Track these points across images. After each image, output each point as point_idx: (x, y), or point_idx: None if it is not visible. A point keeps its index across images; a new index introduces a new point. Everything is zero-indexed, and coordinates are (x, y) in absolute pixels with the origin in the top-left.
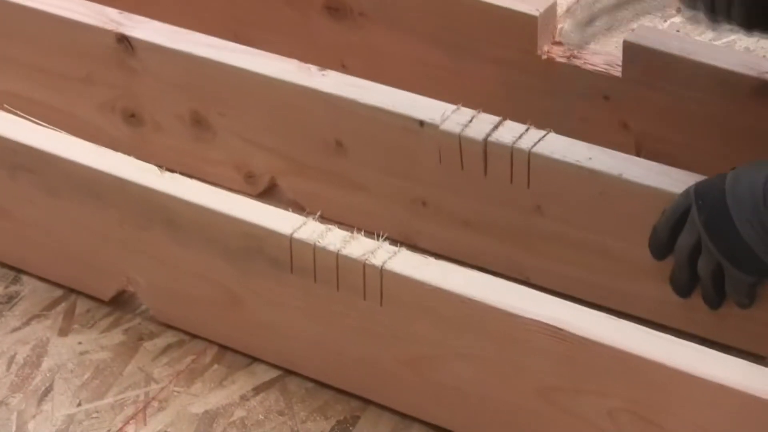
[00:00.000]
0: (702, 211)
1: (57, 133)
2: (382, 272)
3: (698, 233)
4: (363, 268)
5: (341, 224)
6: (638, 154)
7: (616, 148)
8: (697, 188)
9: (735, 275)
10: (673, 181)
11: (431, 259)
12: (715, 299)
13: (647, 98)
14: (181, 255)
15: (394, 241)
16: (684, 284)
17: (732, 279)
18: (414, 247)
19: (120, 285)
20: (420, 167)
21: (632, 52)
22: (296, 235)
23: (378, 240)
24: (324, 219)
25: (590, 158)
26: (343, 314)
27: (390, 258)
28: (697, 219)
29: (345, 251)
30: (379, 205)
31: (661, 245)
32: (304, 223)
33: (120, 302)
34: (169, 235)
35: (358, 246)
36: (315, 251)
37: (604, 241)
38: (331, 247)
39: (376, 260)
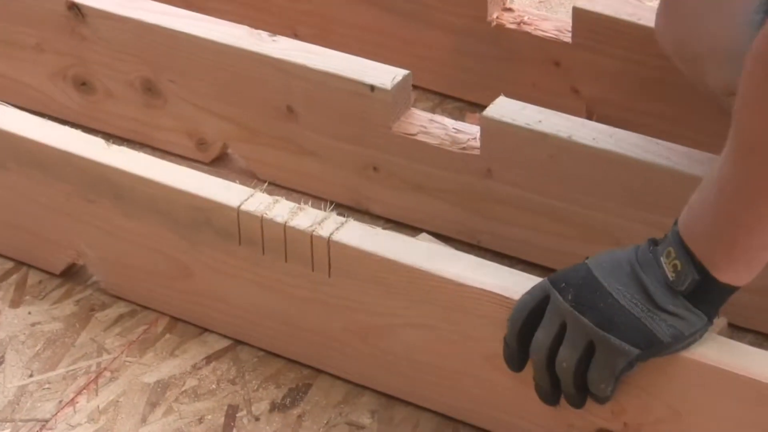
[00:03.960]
0: (567, 291)
1: (2, 106)
2: (329, 243)
3: (559, 321)
4: (310, 239)
5: (293, 190)
6: (589, 119)
7: (568, 114)
8: (553, 278)
9: (609, 351)
10: (623, 143)
11: (379, 229)
12: (578, 396)
13: (597, 64)
14: (130, 227)
15: (345, 208)
16: (550, 390)
17: (602, 359)
18: (366, 213)
19: (70, 258)
20: (371, 132)
21: (582, 18)
22: (243, 207)
23: (326, 210)
24: (275, 185)
25: (540, 121)
26: (292, 285)
27: (337, 229)
28: (561, 302)
29: (292, 223)
30: (330, 171)
31: (514, 354)
32: (252, 195)
33: (71, 273)
34: (117, 208)
35: (305, 217)
36: (263, 223)
37: (555, 204)
38: (279, 219)
39: (324, 231)
